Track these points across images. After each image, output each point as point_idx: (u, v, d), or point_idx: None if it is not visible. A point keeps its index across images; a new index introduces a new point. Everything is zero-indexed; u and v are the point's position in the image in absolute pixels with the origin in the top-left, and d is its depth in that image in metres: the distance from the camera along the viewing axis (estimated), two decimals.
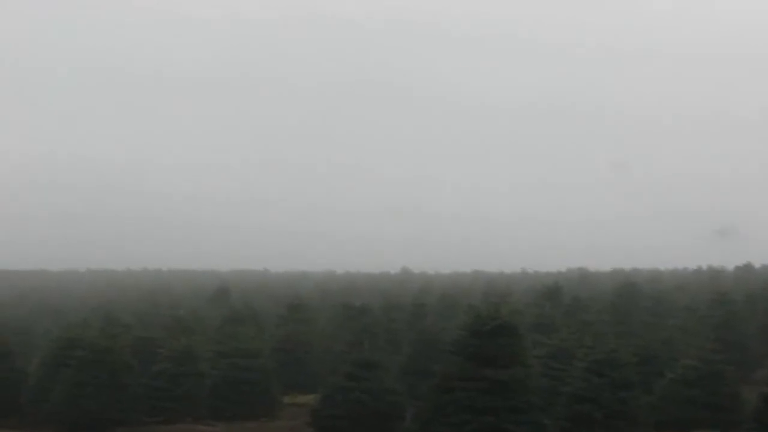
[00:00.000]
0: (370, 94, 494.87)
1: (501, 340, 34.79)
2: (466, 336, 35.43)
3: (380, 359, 44.45)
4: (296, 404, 51.74)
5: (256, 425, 47.41)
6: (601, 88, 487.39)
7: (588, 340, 42.47)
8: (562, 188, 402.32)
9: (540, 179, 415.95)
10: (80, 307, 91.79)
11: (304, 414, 45.45)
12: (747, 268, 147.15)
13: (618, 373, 38.23)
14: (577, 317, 59.94)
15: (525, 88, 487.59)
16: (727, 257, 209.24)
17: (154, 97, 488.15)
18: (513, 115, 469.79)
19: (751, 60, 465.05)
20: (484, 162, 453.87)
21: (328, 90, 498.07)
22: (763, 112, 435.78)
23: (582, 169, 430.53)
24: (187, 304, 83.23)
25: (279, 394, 51.28)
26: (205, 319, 68.87)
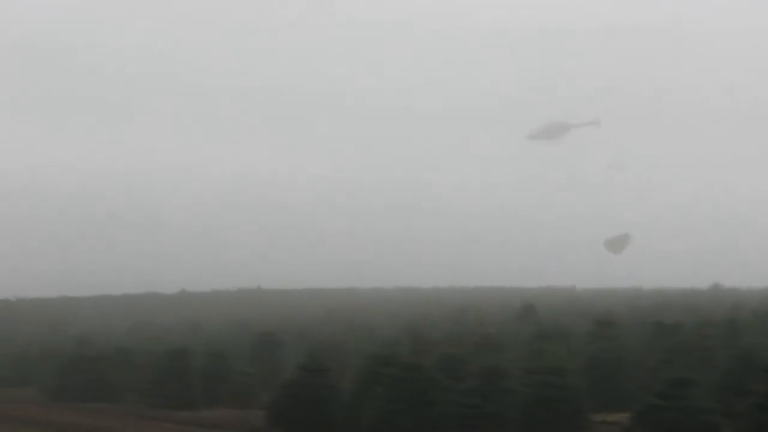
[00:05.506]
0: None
1: None
2: None
3: (693, 377, 43.30)
4: (607, 422, 50.98)
5: None
6: None
7: None
8: None
9: None
10: (387, 324, 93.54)
11: None
12: None
13: None
14: None
15: None
16: None
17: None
18: None
19: None
20: None
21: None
22: None
23: None
24: (493, 321, 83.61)
25: (589, 411, 50.68)
26: (512, 336, 68.88)
